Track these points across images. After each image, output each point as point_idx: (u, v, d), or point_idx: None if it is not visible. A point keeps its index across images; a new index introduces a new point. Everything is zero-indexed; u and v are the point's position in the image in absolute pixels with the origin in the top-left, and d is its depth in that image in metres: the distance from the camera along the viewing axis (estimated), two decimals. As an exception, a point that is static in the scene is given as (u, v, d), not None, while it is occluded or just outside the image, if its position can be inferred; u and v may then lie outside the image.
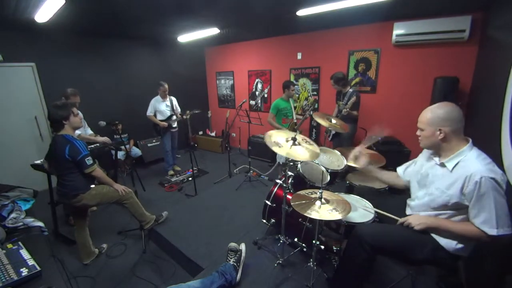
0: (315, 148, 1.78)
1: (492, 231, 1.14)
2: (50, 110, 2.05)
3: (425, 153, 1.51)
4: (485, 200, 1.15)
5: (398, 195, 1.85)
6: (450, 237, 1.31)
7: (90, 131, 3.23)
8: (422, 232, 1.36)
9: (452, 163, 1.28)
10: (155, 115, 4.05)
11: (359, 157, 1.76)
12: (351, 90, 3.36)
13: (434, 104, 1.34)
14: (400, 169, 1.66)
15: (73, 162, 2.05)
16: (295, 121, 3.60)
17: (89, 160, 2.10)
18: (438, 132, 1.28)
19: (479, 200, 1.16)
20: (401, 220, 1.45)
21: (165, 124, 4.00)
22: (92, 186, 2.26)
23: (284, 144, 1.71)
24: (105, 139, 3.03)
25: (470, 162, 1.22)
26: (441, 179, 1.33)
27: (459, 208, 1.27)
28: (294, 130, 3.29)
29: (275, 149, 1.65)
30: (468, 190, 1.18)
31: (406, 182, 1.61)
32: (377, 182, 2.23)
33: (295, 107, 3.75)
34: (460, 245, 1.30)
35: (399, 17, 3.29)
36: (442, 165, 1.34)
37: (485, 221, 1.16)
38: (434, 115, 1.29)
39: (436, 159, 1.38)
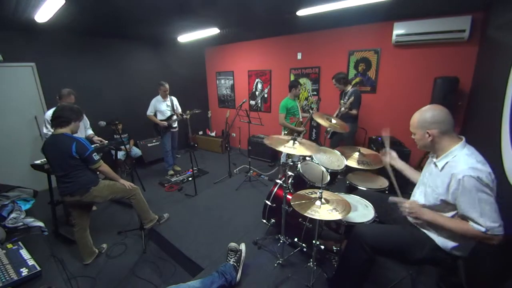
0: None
1: (481, 229, 1.15)
2: (63, 108, 2.07)
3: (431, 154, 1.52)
4: (469, 199, 1.16)
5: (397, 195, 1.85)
6: (447, 235, 1.31)
7: (90, 132, 3.23)
8: (419, 230, 1.37)
9: (442, 162, 1.32)
10: (155, 115, 4.05)
11: (393, 158, 1.75)
12: (352, 89, 3.42)
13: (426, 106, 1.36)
14: None
15: (80, 159, 2.06)
16: (301, 120, 3.63)
17: (96, 156, 2.14)
18: (427, 135, 1.32)
19: (464, 199, 1.18)
20: (397, 199, 1.43)
21: (165, 123, 4.00)
22: (99, 180, 2.29)
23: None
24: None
25: (457, 162, 1.24)
26: (433, 178, 1.36)
27: (448, 207, 1.28)
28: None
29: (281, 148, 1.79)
30: (452, 189, 1.21)
31: None
32: (377, 182, 2.24)
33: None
34: (454, 245, 1.30)
35: (399, 17, 3.29)
36: (435, 164, 1.37)
37: (472, 219, 1.17)
38: (421, 118, 1.34)
39: (434, 158, 1.41)
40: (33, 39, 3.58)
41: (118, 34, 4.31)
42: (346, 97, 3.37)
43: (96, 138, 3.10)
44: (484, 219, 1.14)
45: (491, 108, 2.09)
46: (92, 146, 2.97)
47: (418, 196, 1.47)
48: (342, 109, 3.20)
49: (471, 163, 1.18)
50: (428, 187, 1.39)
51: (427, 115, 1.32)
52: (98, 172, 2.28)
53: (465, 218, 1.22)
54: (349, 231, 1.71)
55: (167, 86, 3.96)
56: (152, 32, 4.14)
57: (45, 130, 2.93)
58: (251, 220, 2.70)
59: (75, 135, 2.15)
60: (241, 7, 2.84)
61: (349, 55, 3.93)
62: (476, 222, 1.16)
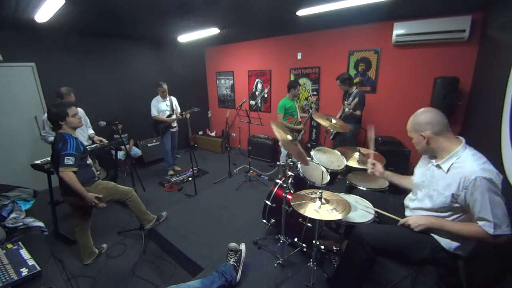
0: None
1: (490, 230, 1.15)
2: (48, 111, 2.06)
3: (424, 155, 1.54)
4: (481, 200, 1.15)
5: (397, 195, 1.85)
6: (452, 237, 1.31)
7: (91, 131, 3.23)
8: (421, 232, 1.37)
9: (447, 164, 1.30)
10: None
11: (375, 166, 1.78)
12: (356, 90, 3.42)
13: (429, 106, 1.39)
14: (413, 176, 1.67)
15: None
16: (300, 120, 3.63)
17: (68, 160, 1.93)
18: (422, 137, 1.33)
19: (475, 200, 1.17)
20: (401, 221, 1.45)
21: (171, 119, 4.01)
22: (97, 180, 2.26)
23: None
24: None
25: (464, 163, 1.23)
26: (438, 181, 1.34)
27: (457, 208, 1.28)
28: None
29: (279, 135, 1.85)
30: (463, 191, 1.20)
31: None
32: (377, 182, 2.24)
33: (296, 107, 3.79)
34: (457, 245, 1.30)
35: (399, 17, 3.29)
36: (438, 166, 1.35)
37: (483, 220, 1.17)
38: (413, 122, 1.38)
39: (433, 161, 1.40)
40: (33, 39, 3.58)
41: (118, 34, 4.31)
42: (350, 98, 3.37)
43: (96, 138, 3.10)
44: (494, 220, 1.14)
45: (491, 108, 2.09)
46: (93, 146, 2.99)
47: (422, 198, 1.44)
48: (346, 109, 3.20)
49: (481, 164, 1.18)
50: (432, 190, 1.37)
51: (419, 118, 1.36)
52: (98, 172, 2.26)
53: (473, 218, 1.21)
54: (349, 231, 1.71)
55: (165, 86, 3.95)
56: (152, 32, 4.13)
57: (42, 132, 2.95)
58: (251, 220, 2.70)
59: (75, 135, 2.14)
60: (241, 7, 2.84)
61: (349, 55, 3.93)
62: (485, 223, 1.16)
